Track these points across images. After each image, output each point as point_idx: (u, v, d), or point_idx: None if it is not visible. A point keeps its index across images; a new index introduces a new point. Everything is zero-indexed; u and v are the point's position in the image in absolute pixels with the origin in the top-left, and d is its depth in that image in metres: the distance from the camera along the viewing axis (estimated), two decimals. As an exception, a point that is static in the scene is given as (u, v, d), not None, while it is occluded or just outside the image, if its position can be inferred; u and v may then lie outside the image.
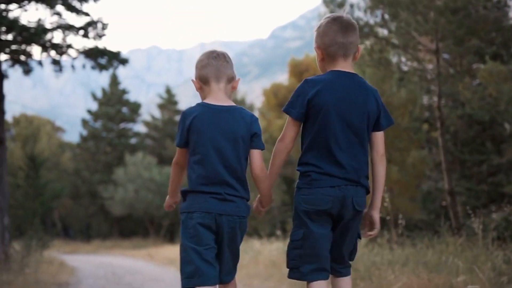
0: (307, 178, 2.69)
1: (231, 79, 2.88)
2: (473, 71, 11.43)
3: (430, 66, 12.08)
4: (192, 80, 2.96)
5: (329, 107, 2.65)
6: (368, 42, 11.52)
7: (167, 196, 3.04)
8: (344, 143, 2.67)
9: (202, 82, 2.89)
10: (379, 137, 2.82)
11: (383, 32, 11.49)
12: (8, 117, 44.68)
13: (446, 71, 11.38)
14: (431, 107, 14.28)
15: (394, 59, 12.35)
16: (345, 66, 2.75)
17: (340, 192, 2.65)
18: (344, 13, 2.79)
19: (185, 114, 2.81)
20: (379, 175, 2.80)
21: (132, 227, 37.91)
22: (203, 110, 2.78)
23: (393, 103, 13.17)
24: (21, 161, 32.61)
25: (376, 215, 2.82)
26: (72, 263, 17.66)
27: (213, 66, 2.85)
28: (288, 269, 2.78)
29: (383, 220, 11.28)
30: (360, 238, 2.84)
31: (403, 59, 12.33)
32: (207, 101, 2.84)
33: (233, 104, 2.84)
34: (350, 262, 2.86)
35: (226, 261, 2.81)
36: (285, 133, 2.74)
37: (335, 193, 2.64)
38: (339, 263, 2.80)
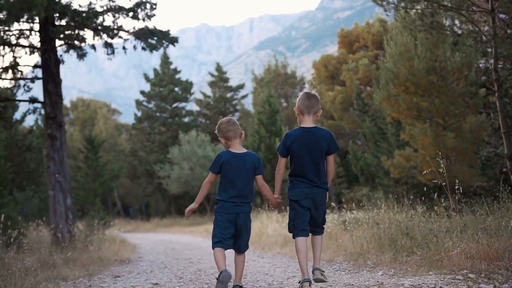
0: (292, 183, 5.01)
1: (241, 135, 5.10)
2: (531, 30, 10.92)
3: (485, 28, 11.61)
4: (219, 138, 5.16)
5: (299, 150, 4.96)
6: (418, 7, 11.16)
7: (193, 203, 5.32)
8: (310, 168, 4.94)
9: (226, 139, 5.09)
10: (330, 157, 5.03)
11: (434, -6, 11.08)
12: (66, 101, 46.06)
13: (503, 31, 10.89)
14: (487, 71, 13.77)
15: (447, 23, 11.93)
16: (309, 120, 5.02)
17: (308, 190, 4.93)
18: (313, 90, 4.88)
19: (219, 156, 5.05)
20: (329, 175, 5.07)
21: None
22: (230, 155, 5.03)
23: (447, 68, 12.79)
24: (80, 144, 33.66)
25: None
26: (133, 240, 18.19)
27: (232, 131, 5.08)
28: (289, 232, 5.10)
29: (439, 188, 11.04)
30: (325, 213, 5.11)
31: (457, 21, 11.87)
32: (231, 150, 5.07)
33: (246, 150, 5.11)
34: (323, 226, 5.13)
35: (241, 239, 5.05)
36: (279, 164, 5.07)
37: (305, 191, 4.93)
38: (316, 227, 5.06)
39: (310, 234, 5.06)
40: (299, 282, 4.93)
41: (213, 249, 4.96)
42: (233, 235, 5.01)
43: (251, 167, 5.02)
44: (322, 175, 4.98)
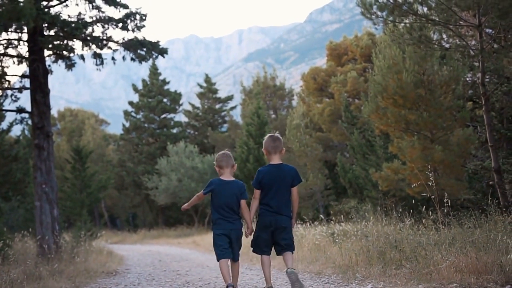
0: (261, 211, 5.93)
1: (233, 166, 6.09)
2: (518, 45, 11.03)
3: (472, 42, 11.73)
4: (215, 167, 6.12)
5: (268, 184, 5.87)
6: (407, 20, 11.26)
7: (186, 203, 6.26)
8: (276, 198, 5.87)
9: (220, 167, 6.06)
10: (294, 189, 5.96)
11: (423, 9, 11.18)
12: (54, 111, 45.78)
13: (490, 46, 11.00)
14: (475, 84, 13.90)
15: (435, 37, 12.03)
16: (276, 158, 5.98)
17: (273, 218, 5.86)
18: (275, 133, 6.13)
19: (211, 182, 6.01)
20: (295, 207, 6.00)
21: (177, 216, 38.42)
22: (220, 182, 6.00)
23: (435, 81, 12.88)
24: (68, 154, 33.42)
25: (293, 222, 6.07)
26: (120, 252, 18.05)
27: (225, 161, 6.04)
28: (252, 249, 6.08)
29: (427, 201, 11.03)
30: (291, 237, 5.93)
31: (444, 36, 11.97)
32: (222, 178, 6.03)
33: (234, 178, 6.07)
34: (292, 246, 5.92)
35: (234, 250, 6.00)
36: (254, 194, 5.95)
37: (270, 219, 5.86)
38: (283, 250, 5.86)
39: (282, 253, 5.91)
40: None
41: (218, 261, 5.87)
42: (229, 247, 5.91)
43: (237, 192, 5.96)
44: (287, 204, 5.90)
